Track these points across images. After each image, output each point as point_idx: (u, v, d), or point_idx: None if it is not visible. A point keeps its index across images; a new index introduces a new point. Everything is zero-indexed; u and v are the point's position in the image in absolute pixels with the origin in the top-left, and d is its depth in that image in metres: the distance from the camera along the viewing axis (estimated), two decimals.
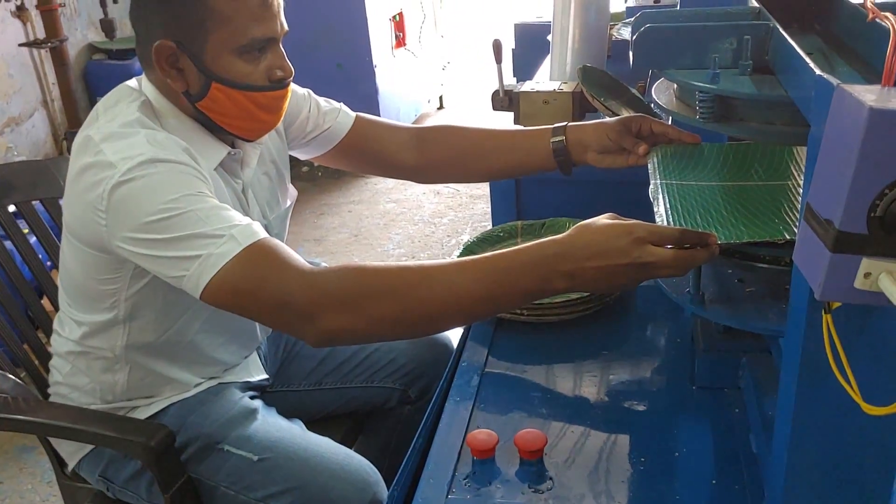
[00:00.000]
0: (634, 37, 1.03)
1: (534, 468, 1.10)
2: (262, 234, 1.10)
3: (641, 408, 1.22)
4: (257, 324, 1.42)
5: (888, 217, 0.68)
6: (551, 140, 1.41)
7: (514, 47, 3.14)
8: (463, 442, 1.15)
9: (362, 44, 4.08)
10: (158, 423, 1.31)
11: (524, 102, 1.77)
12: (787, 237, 0.99)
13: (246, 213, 1.33)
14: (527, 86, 1.79)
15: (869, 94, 0.68)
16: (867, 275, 0.70)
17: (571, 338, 1.40)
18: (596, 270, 0.99)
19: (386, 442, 1.63)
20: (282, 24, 1.24)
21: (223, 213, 1.10)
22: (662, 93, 1.12)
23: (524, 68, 2.92)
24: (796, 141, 0.99)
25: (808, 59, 0.82)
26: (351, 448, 1.42)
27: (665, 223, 1.07)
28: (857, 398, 0.77)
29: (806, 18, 1.08)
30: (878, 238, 0.69)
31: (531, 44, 2.90)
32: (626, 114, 1.73)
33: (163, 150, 1.13)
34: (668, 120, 1.36)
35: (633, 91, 1.90)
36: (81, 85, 4.36)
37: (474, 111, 5.30)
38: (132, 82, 1.28)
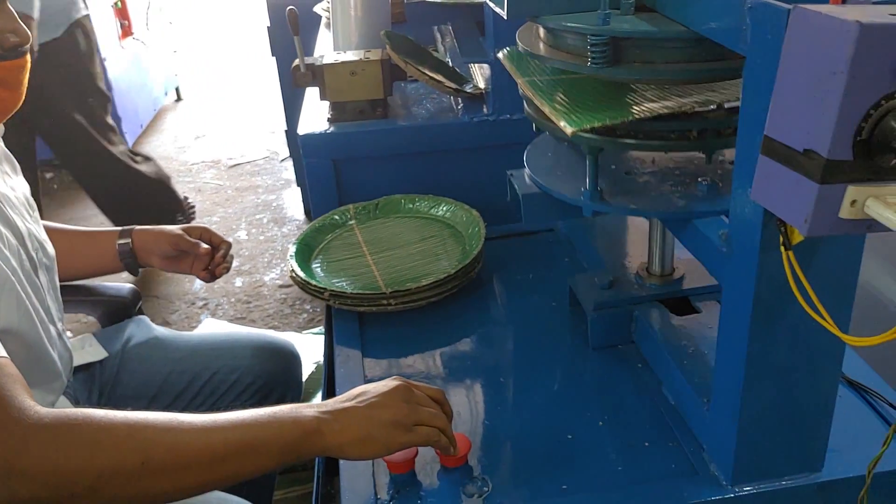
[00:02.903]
0: None
1: (458, 472, 0.99)
2: None
3: (547, 380, 1.16)
4: (58, 359, 1.17)
5: (874, 139, 0.64)
6: (117, 242, 1.38)
7: (268, 25, 2.94)
8: (373, 461, 1.01)
9: None
10: None
11: (329, 76, 1.62)
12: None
13: (5, 215, 1.09)
14: (330, 58, 1.64)
15: (842, 13, 0.64)
16: (853, 202, 0.67)
17: (445, 320, 1.30)
18: (361, 408, 0.90)
19: None
20: None
21: None
22: (535, 42, 1.03)
23: (283, 44, 2.74)
24: (699, 78, 0.95)
25: None
26: None
27: (556, 118, 0.96)
28: (836, 331, 0.74)
29: None
30: (862, 163, 0.65)
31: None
32: (436, 77, 1.65)
33: None
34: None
35: (435, 54, 1.82)
36: None
37: (214, 99, 4.98)
38: None
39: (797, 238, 0.76)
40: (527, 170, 1.13)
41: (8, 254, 1.07)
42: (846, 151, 0.65)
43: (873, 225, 0.68)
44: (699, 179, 1.01)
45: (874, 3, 0.71)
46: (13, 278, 1.05)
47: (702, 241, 0.94)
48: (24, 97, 1.09)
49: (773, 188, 0.72)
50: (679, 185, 1.03)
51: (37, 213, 1.24)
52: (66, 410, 0.83)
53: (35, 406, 0.82)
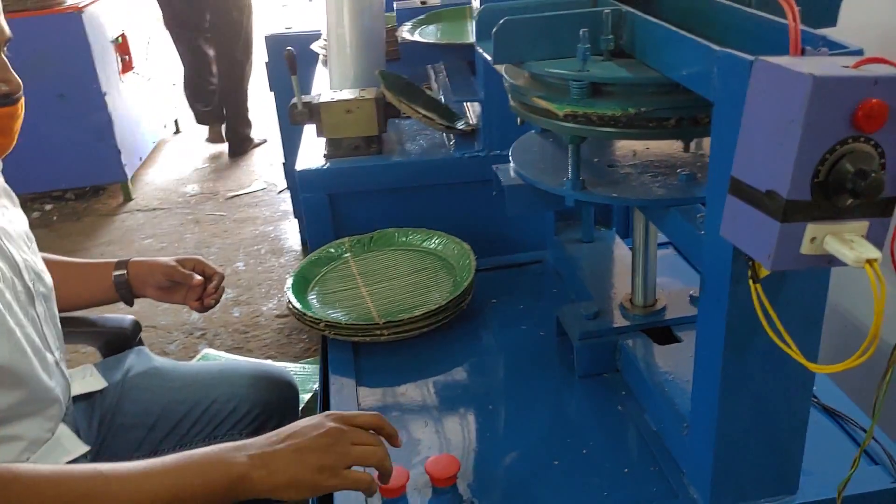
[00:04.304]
0: (494, 31, 0.99)
1: (448, 495, 1.03)
2: None
3: (534, 408, 1.20)
4: (55, 387, 1.20)
5: (830, 181, 0.69)
6: (113, 273, 1.43)
7: (266, 60, 3.01)
8: None
9: (86, 71, 3.69)
10: None
11: (326, 113, 1.67)
12: None
13: (1, 248, 1.15)
14: (326, 96, 1.70)
15: (800, 65, 0.69)
16: (813, 239, 0.72)
17: (437, 350, 1.34)
18: (290, 452, 0.91)
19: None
20: (2, 29, 1.06)
21: None
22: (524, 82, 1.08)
23: (281, 80, 2.80)
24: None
25: (696, 38, 0.83)
26: None
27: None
28: (801, 359, 0.79)
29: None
30: (820, 203, 0.71)
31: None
32: (429, 115, 1.71)
33: None
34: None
35: (428, 92, 1.88)
36: None
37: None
38: None
39: (764, 272, 0.81)
40: (511, 163, 1.17)
41: (2, 286, 1.11)
42: (805, 192, 0.70)
43: (833, 260, 0.73)
44: (678, 170, 1.05)
45: (831, 55, 0.77)
46: (5, 313, 1.09)
47: (681, 227, 0.98)
48: (14, 142, 1.14)
49: (740, 225, 0.77)
50: (659, 175, 1.06)
51: (34, 245, 1.28)
52: None
53: None
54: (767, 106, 0.71)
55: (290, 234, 3.57)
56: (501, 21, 0.99)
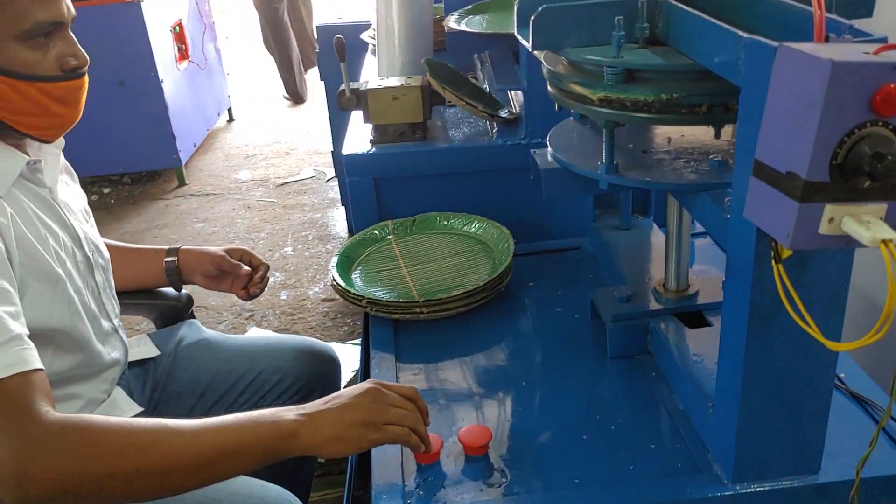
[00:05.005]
0: (532, 18, 1.03)
1: (480, 463, 1.08)
2: (21, 365, 0.95)
3: (567, 386, 1.24)
4: (110, 351, 1.28)
5: (848, 163, 0.72)
6: (164, 260, 1.49)
7: (317, 50, 3.07)
8: (402, 451, 1.10)
9: (145, 58, 3.81)
10: None
11: (373, 100, 1.73)
12: None
13: (63, 219, 1.22)
14: (374, 83, 1.75)
15: (821, 51, 0.72)
16: (831, 220, 0.74)
17: (474, 329, 1.39)
18: (335, 410, 0.99)
19: (283, 463, 1.54)
20: (68, 7, 1.13)
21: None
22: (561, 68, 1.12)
23: (332, 69, 2.87)
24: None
25: (727, 26, 0.86)
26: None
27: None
28: (820, 337, 0.81)
29: None
30: (838, 184, 0.73)
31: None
32: (472, 103, 1.75)
33: None
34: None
35: (473, 81, 1.92)
36: None
37: (263, 120, 5.15)
38: None
39: (786, 252, 0.84)
40: (549, 148, 1.21)
41: (64, 256, 1.19)
42: (823, 174, 0.73)
43: (851, 241, 0.76)
44: (710, 156, 1.07)
45: (854, 42, 0.79)
46: (66, 281, 1.17)
47: (710, 211, 1.02)
48: (80, 115, 1.21)
49: (762, 206, 0.80)
50: (692, 161, 1.09)
51: (93, 220, 1.36)
52: (72, 418, 0.93)
53: (45, 415, 0.92)
54: (789, 90, 0.74)
55: (338, 220, 3.64)
56: (540, 9, 1.03)
